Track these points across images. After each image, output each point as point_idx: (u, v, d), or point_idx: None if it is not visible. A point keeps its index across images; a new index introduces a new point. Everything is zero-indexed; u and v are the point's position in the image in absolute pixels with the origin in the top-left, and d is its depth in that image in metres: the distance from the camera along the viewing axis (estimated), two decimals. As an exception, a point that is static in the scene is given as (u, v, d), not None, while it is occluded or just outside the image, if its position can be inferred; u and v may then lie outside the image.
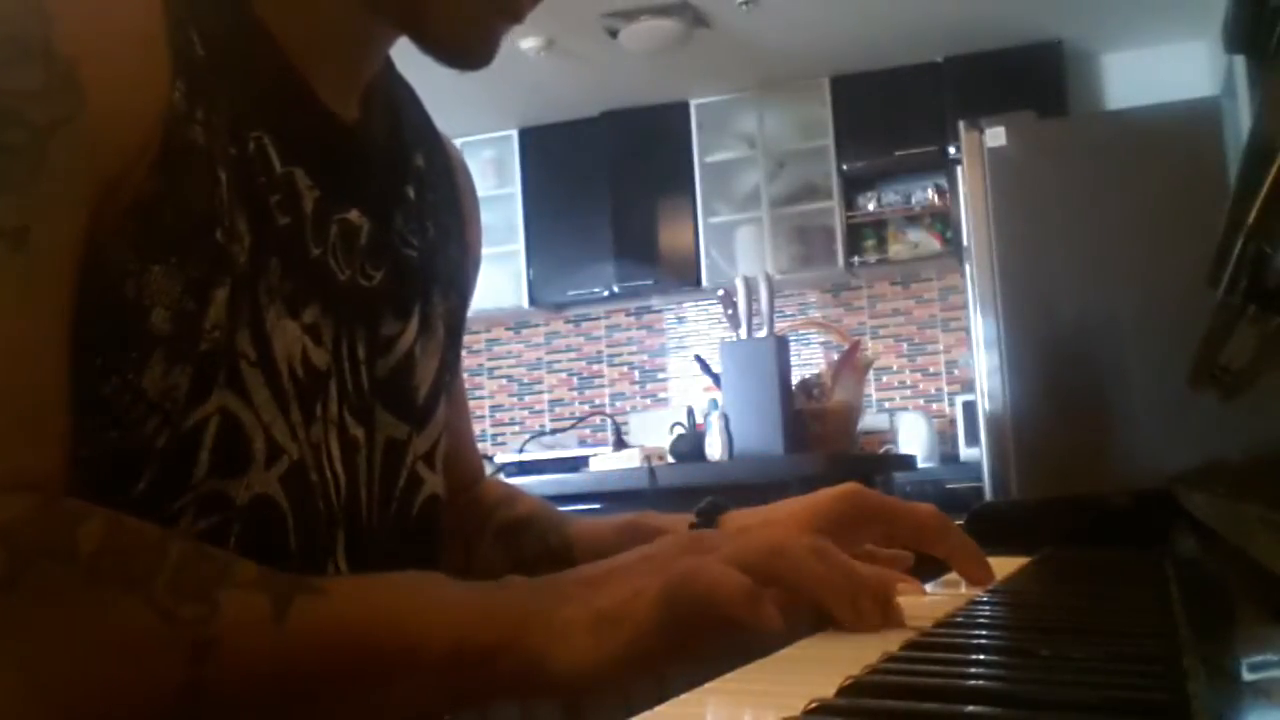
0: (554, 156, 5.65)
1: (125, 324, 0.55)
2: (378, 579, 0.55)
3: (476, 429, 5.78)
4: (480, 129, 5.59)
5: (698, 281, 5.42)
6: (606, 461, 3.01)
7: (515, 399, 5.95)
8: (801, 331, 5.08)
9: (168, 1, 0.57)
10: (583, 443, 4.95)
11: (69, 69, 0.52)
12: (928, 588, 0.74)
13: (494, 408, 5.95)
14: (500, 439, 5.78)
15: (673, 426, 3.10)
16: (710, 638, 0.51)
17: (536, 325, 5.94)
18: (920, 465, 4.47)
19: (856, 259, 5.27)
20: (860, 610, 0.55)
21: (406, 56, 0.71)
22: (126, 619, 0.49)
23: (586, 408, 5.76)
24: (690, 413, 3.11)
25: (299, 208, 0.63)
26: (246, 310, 0.59)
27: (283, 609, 0.50)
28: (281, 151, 0.62)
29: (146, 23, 0.56)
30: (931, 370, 5.35)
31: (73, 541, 0.49)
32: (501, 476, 3.09)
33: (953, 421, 5.05)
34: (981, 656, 0.50)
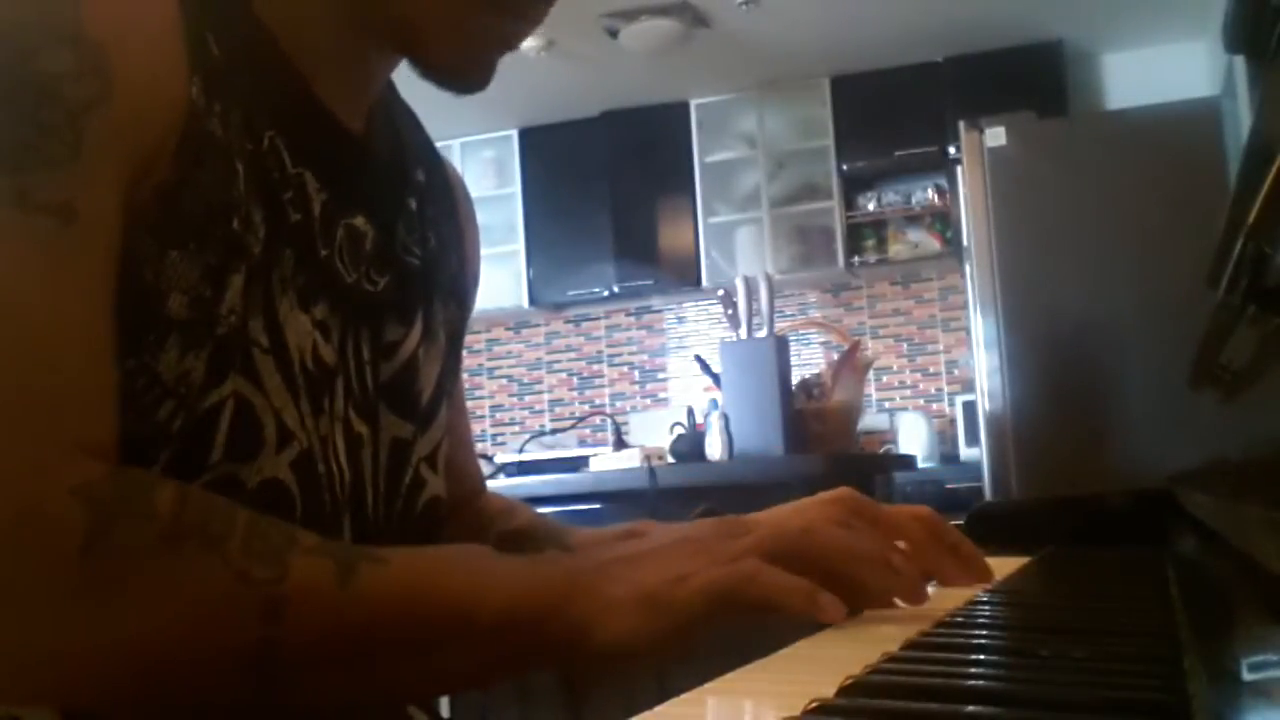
0: (554, 156, 5.65)
1: (143, 308, 0.56)
2: (432, 550, 0.59)
3: (476, 429, 5.79)
4: (480, 129, 5.59)
5: (698, 281, 5.42)
6: (606, 461, 3.01)
7: (515, 399, 5.95)
8: (801, 331, 5.08)
9: (183, 3, 0.58)
10: (583, 443, 4.95)
11: (98, 54, 0.53)
12: (931, 587, 0.74)
13: (494, 408, 5.95)
14: (500, 439, 5.78)
15: (673, 426, 3.10)
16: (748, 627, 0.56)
17: (536, 325, 5.94)
18: (920, 465, 4.47)
19: (856, 259, 5.27)
20: (898, 571, 0.60)
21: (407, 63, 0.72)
22: (204, 577, 0.50)
23: (586, 408, 5.76)
24: (690, 413, 3.11)
25: (309, 208, 0.64)
26: (260, 298, 0.61)
27: (346, 574, 0.52)
28: (292, 154, 0.63)
29: (165, 19, 0.57)
30: (931, 370, 5.35)
31: (150, 503, 0.50)
32: (502, 477, 3.09)
33: (953, 421, 5.05)
34: (981, 656, 0.51)
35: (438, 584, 0.54)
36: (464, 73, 0.66)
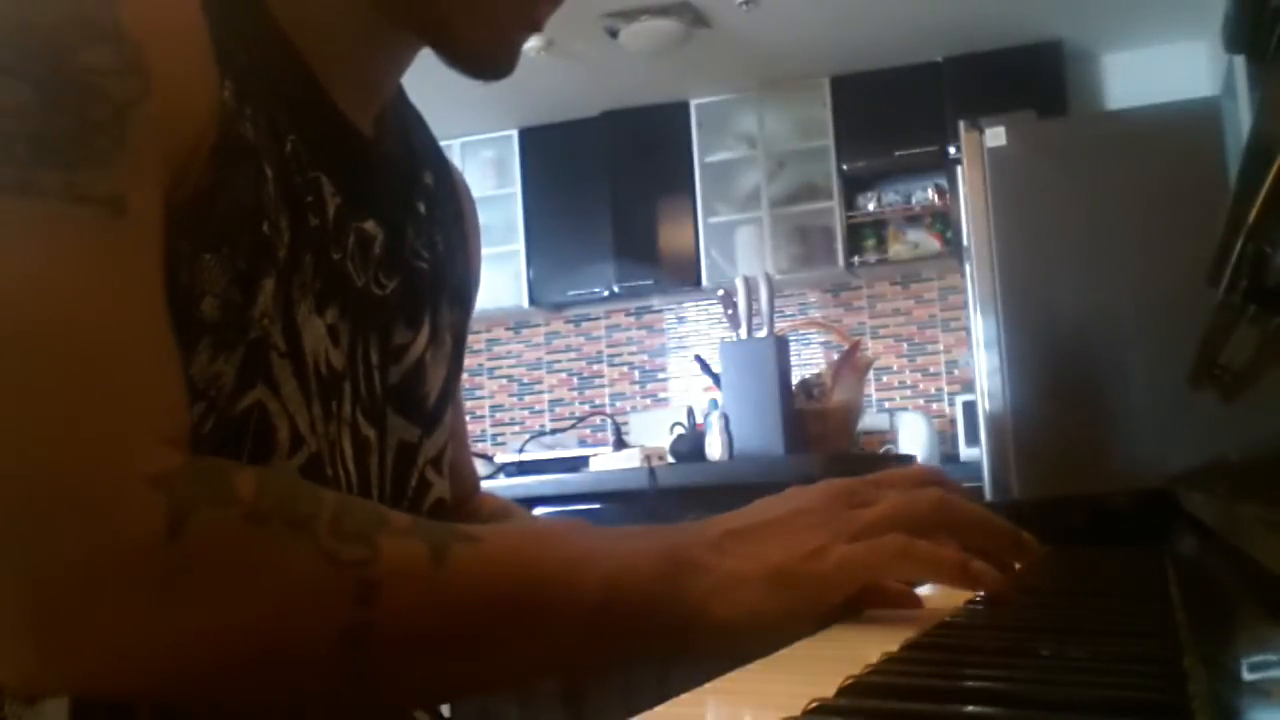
0: (554, 156, 5.65)
1: (178, 310, 0.55)
2: (525, 530, 0.58)
3: (476, 429, 5.79)
4: (480, 129, 5.59)
5: (698, 281, 5.42)
6: (606, 461, 3.01)
7: (515, 399, 5.95)
8: (801, 331, 5.08)
9: (207, 7, 0.58)
10: (583, 443, 4.95)
11: (136, 53, 0.53)
12: (926, 589, 0.74)
13: (494, 408, 5.95)
14: (500, 439, 5.78)
15: (673, 426, 3.09)
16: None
17: (536, 325, 5.94)
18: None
19: (856, 259, 5.27)
20: (1025, 548, 0.60)
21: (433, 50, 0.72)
22: (292, 561, 0.49)
23: (586, 408, 5.76)
24: (690, 413, 3.11)
25: (325, 212, 0.64)
26: (282, 303, 0.61)
27: (440, 555, 0.51)
28: (309, 156, 0.63)
29: (194, 23, 0.57)
30: (931, 370, 5.35)
31: (231, 488, 0.49)
32: (502, 477, 3.09)
33: (953, 421, 5.05)
34: (981, 656, 0.50)
35: (531, 562, 0.52)
36: (492, 58, 0.66)
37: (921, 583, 0.59)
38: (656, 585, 0.52)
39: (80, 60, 0.51)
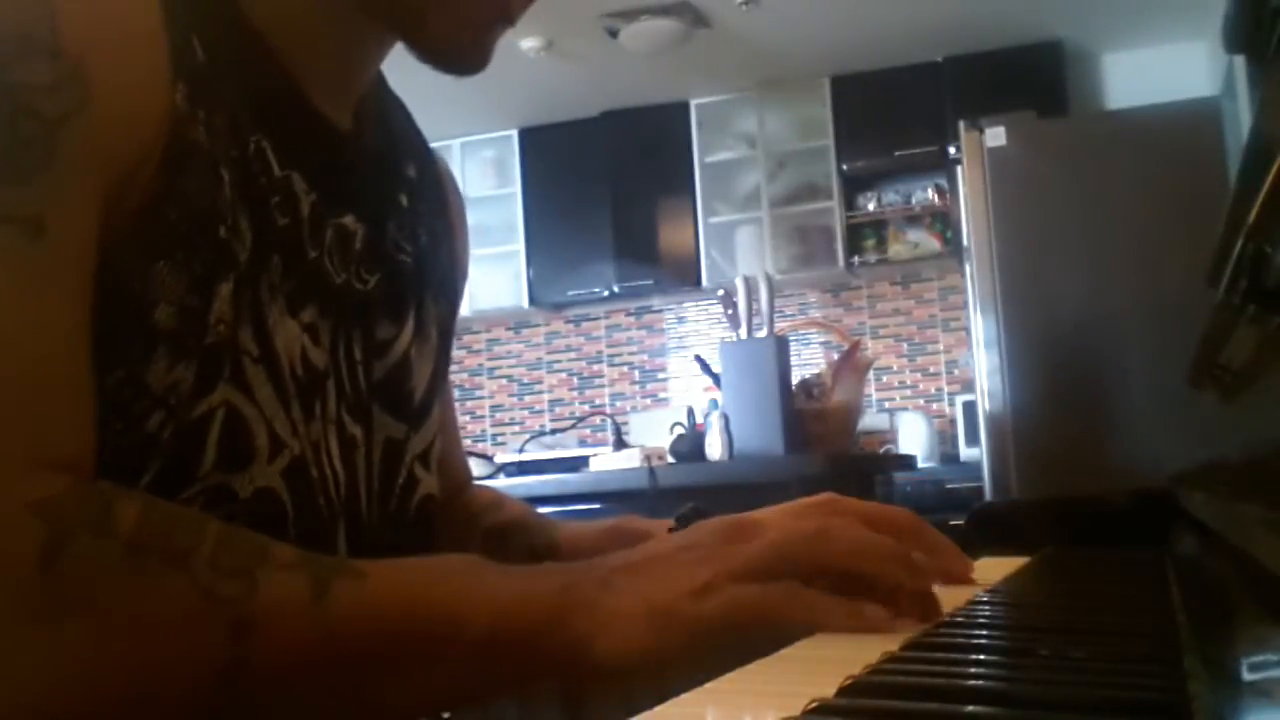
0: (554, 156, 5.65)
1: (129, 320, 0.55)
2: (416, 562, 0.56)
3: (476, 429, 5.79)
4: (480, 129, 5.59)
5: (698, 281, 5.42)
6: (606, 461, 3.01)
7: (515, 399, 5.95)
8: (801, 331, 5.08)
9: (167, 7, 0.57)
10: (583, 443, 4.94)
11: (75, 65, 0.52)
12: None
13: (494, 408, 5.95)
14: (500, 439, 5.78)
15: (673, 426, 3.09)
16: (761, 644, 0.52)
17: (536, 325, 5.94)
18: (920, 465, 4.46)
19: (856, 259, 5.27)
20: (916, 570, 0.56)
21: (405, 60, 0.72)
22: (168, 596, 0.48)
23: (586, 408, 5.76)
24: (690, 413, 3.11)
25: (297, 210, 0.63)
26: (249, 307, 0.60)
27: (322, 590, 0.50)
28: (279, 155, 0.63)
29: (147, 26, 0.56)
30: (931, 370, 5.35)
31: (112, 518, 0.48)
32: (502, 476, 3.09)
33: (953, 421, 5.05)
34: (981, 656, 0.50)
35: (418, 599, 0.52)
36: (461, 52, 0.65)
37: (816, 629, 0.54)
38: (542, 623, 0.51)
39: (12, 76, 0.51)
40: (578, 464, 3.31)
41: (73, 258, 0.52)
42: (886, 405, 5.33)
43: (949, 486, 4.45)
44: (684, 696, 0.41)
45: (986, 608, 0.65)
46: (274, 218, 0.62)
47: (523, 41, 4.56)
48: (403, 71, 0.77)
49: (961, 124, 3.28)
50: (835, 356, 3.07)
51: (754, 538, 0.55)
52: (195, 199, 0.57)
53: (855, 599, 0.53)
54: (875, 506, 0.65)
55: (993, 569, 0.78)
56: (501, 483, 2.86)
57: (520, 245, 5.64)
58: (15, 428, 0.49)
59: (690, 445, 2.89)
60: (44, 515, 0.47)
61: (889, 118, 5.16)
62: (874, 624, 0.52)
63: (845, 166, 5.24)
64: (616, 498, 2.66)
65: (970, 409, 4.28)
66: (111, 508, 0.49)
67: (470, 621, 0.51)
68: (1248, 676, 0.36)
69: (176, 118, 0.56)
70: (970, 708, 0.38)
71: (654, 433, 4.47)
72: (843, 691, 0.40)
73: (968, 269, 3.31)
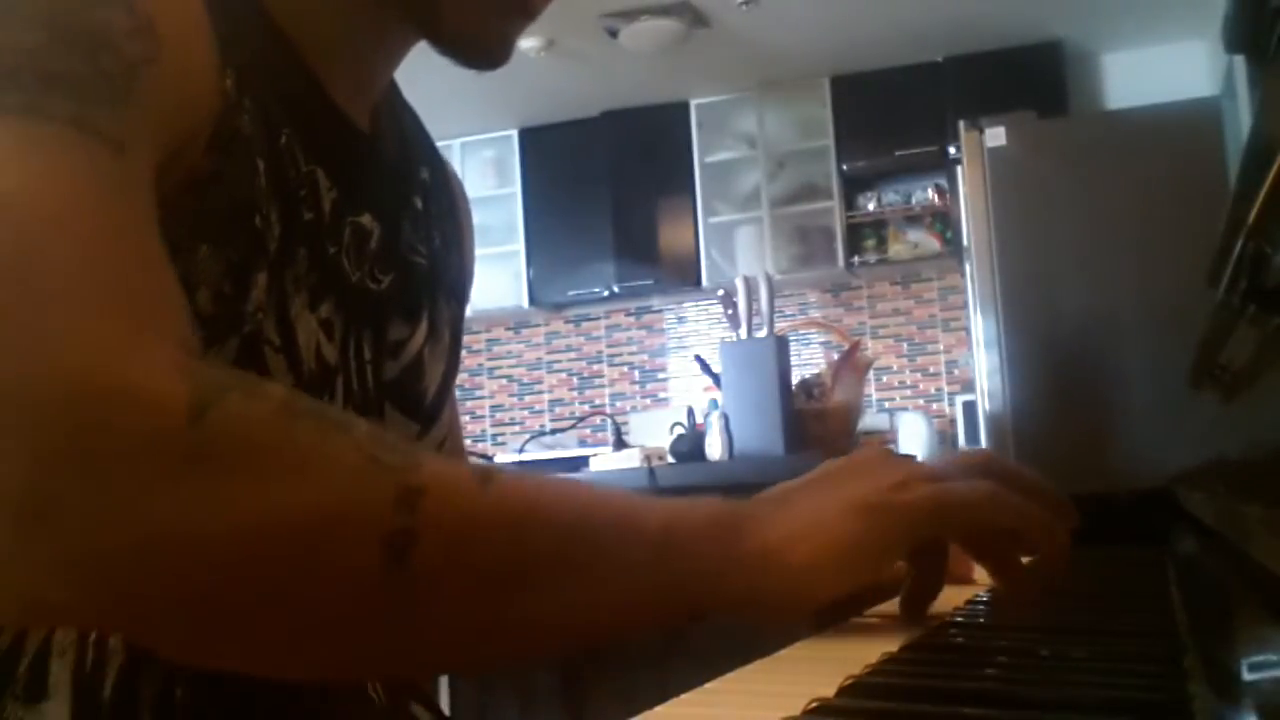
0: (554, 156, 5.65)
1: None
2: (567, 478, 0.51)
3: (476, 429, 5.79)
4: (480, 129, 5.59)
5: (698, 281, 5.42)
6: (606, 461, 3.01)
7: (515, 399, 5.95)
8: (801, 331, 5.08)
9: (209, 2, 0.58)
10: (583, 443, 4.95)
11: (149, 20, 0.53)
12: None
13: (494, 408, 5.95)
14: (500, 439, 5.78)
15: (673, 426, 3.09)
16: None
17: (536, 325, 5.94)
18: (920, 465, 4.46)
19: (856, 259, 5.27)
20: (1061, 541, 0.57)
21: (406, 61, 0.72)
22: (331, 456, 0.43)
23: (586, 408, 5.76)
24: (690, 413, 3.11)
25: (320, 206, 0.64)
26: (275, 297, 0.60)
27: (487, 477, 0.46)
28: (305, 151, 0.63)
29: (199, 15, 0.57)
30: (931, 370, 5.35)
31: (262, 386, 0.44)
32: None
33: (953, 421, 5.05)
34: (981, 657, 0.50)
35: (590, 498, 0.47)
36: (483, 46, 0.65)
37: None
38: (717, 530, 0.47)
39: (95, 15, 0.51)
40: (578, 464, 3.31)
41: (147, 186, 0.50)
42: (886, 405, 5.33)
43: (949, 486, 4.44)
44: (684, 696, 0.41)
45: (986, 608, 0.65)
46: (300, 211, 0.62)
47: (523, 41, 4.53)
48: (403, 72, 0.78)
49: (961, 124, 3.28)
50: (835, 356, 3.07)
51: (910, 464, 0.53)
52: (237, 186, 0.58)
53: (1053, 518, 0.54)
54: (1028, 474, 0.62)
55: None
56: (501, 483, 2.86)
57: (520, 245, 5.64)
58: (140, 303, 0.44)
59: (690, 445, 2.89)
60: (188, 376, 0.42)
61: (889, 118, 5.16)
62: (1062, 548, 0.53)
63: (845, 166, 5.24)
64: (616, 498, 2.65)
65: (970, 409, 4.28)
66: (259, 379, 0.45)
67: (639, 525, 0.47)
68: (1248, 676, 0.36)
69: (227, 102, 0.57)
70: (970, 708, 0.38)
71: (654, 433, 4.47)
72: (843, 691, 0.40)
73: (968, 269, 3.31)
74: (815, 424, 2.91)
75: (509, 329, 5.96)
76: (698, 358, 3.17)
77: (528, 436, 4.55)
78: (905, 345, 5.40)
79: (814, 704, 0.38)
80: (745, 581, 0.47)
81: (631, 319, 5.84)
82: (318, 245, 0.64)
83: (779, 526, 0.48)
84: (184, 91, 0.55)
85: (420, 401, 0.73)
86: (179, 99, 0.54)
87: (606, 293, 5.55)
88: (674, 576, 0.47)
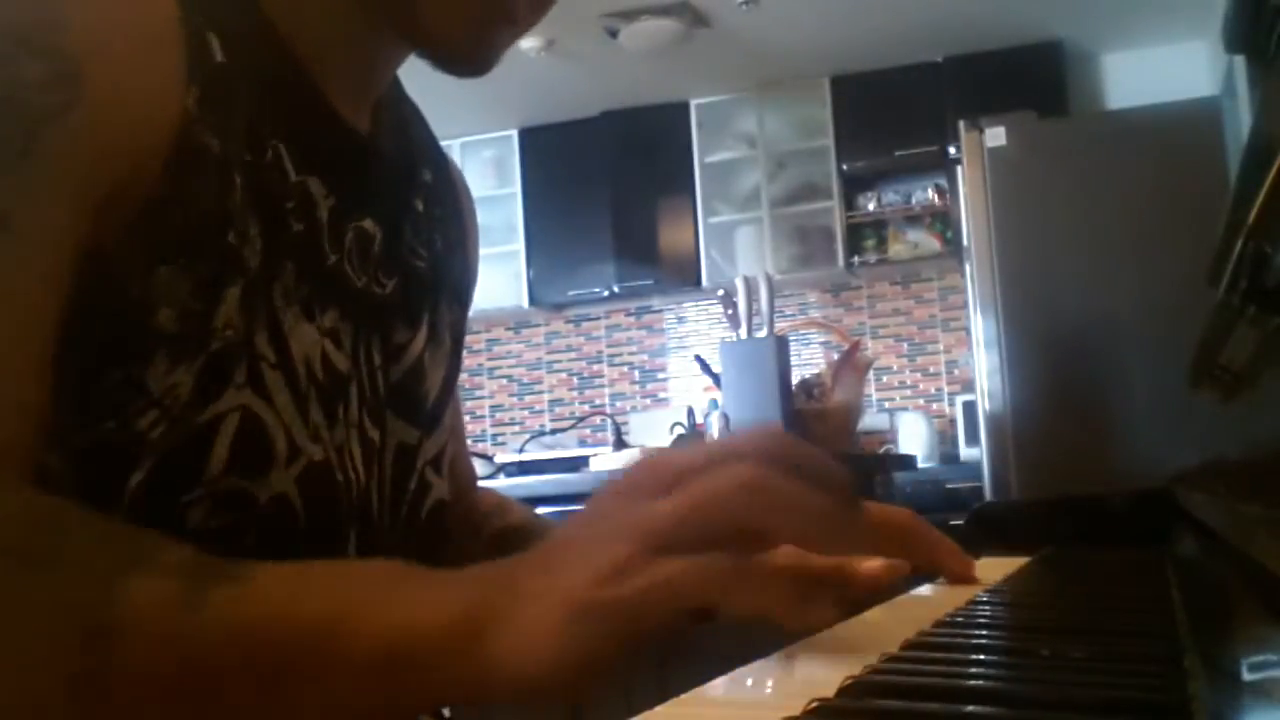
0: (554, 156, 5.65)
1: (128, 322, 0.55)
2: (324, 568, 0.50)
3: (476, 429, 5.79)
4: (480, 129, 5.59)
5: (698, 281, 5.42)
6: (607, 461, 3.01)
7: (515, 399, 5.95)
8: (801, 331, 5.08)
9: (185, 9, 0.57)
10: (583, 443, 4.95)
11: (74, 66, 0.52)
12: (926, 589, 0.74)
13: (494, 408, 5.95)
14: (500, 439, 5.78)
15: (673, 426, 3.10)
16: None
17: (536, 325, 5.94)
18: (920, 465, 4.47)
19: (856, 259, 5.27)
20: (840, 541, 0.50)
21: (409, 59, 0.72)
22: (19, 600, 0.44)
23: (586, 408, 5.76)
24: (690, 413, 3.11)
25: (314, 215, 0.63)
26: (263, 312, 0.60)
27: (198, 597, 0.45)
28: (296, 160, 0.62)
29: (161, 29, 0.56)
30: (931, 370, 5.35)
31: None
32: (502, 476, 3.09)
33: (953, 421, 5.05)
34: (981, 656, 0.51)
35: (301, 610, 0.46)
36: (467, 53, 0.64)
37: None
38: (448, 640, 0.45)
39: (5, 72, 0.51)
40: (578, 464, 3.31)
41: (38, 256, 0.51)
42: (886, 405, 5.33)
43: (949, 486, 4.45)
44: (684, 696, 0.41)
45: (986, 608, 0.65)
46: (288, 223, 0.62)
47: (523, 41, 4.55)
48: (402, 72, 0.78)
49: (961, 124, 3.28)
50: (835, 356, 3.07)
51: (679, 482, 0.46)
52: (201, 203, 0.57)
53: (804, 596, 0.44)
54: (820, 456, 0.55)
55: (993, 569, 0.78)
56: (501, 483, 2.86)
57: (520, 245, 5.64)
58: None
59: (690, 445, 2.89)
60: None
61: (889, 118, 5.16)
62: (819, 619, 0.45)
63: (845, 166, 5.24)
64: (616, 498, 2.65)
65: (970, 409, 4.28)
66: None
67: (360, 637, 0.45)
68: (1248, 676, 0.36)
69: (186, 122, 0.56)
70: (970, 708, 0.38)
71: (654, 433, 4.47)
72: (843, 691, 0.40)
73: (968, 269, 3.31)
74: (815, 424, 2.91)
75: (509, 329, 5.96)
76: (698, 358, 3.17)
77: (528, 437, 4.55)
78: (905, 345, 5.40)
79: (814, 704, 0.38)
80: (471, 693, 0.46)
81: (631, 319, 5.84)
82: (312, 255, 0.63)
83: (508, 628, 0.45)
84: (123, 124, 0.53)
85: (421, 407, 0.73)
86: (116, 134, 0.53)
87: (606, 293, 5.55)
88: (395, 689, 0.45)
